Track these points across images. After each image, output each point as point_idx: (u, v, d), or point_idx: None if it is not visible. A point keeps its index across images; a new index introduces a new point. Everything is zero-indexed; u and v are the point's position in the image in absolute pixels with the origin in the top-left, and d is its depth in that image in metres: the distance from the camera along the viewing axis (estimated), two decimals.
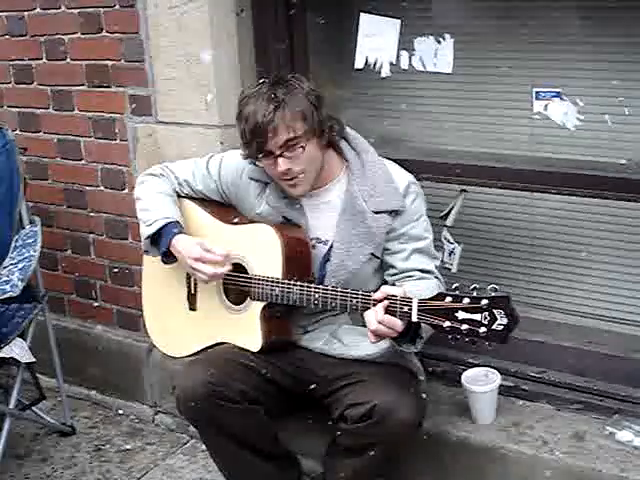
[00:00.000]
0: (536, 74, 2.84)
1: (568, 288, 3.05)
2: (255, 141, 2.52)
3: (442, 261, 3.09)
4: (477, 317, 2.22)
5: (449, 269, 3.07)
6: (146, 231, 2.72)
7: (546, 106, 2.81)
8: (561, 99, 2.79)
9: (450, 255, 3.09)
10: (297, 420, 2.98)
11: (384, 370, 2.58)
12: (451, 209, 3.06)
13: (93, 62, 3.46)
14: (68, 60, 3.54)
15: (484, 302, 2.21)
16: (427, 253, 2.64)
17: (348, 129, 2.71)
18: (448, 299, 2.25)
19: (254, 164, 2.68)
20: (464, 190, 3.03)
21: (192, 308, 2.85)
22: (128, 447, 3.51)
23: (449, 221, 3.07)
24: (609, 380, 2.86)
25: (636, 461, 2.61)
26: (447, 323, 2.25)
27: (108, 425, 3.69)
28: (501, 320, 2.21)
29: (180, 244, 2.67)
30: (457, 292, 2.26)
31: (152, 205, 2.77)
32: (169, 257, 2.72)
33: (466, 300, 2.23)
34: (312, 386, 2.68)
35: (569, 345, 2.95)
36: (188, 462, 3.37)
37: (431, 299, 2.28)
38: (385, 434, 2.44)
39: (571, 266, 3.01)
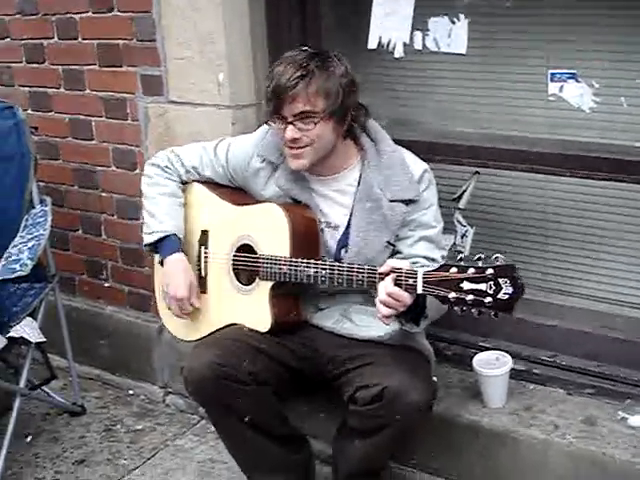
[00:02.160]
0: (551, 55, 2.81)
1: (581, 272, 3.03)
2: (274, 101, 2.52)
3: (454, 243, 3.08)
4: (482, 287, 2.20)
5: (461, 252, 3.05)
6: (146, 238, 2.83)
7: (561, 88, 2.79)
8: (576, 81, 2.76)
9: (462, 238, 3.08)
10: (307, 401, 2.99)
11: (394, 352, 2.57)
12: (464, 191, 3.04)
13: (104, 41, 3.45)
14: (79, 39, 3.53)
15: (489, 271, 2.19)
16: (434, 242, 2.63)
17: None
18: (453, 270, 2.23)
19: (267, 123, 2.67)
20: (477, 172, 3.01)
21: (203, 291, 2.84)
22: (138, 427, 3.52)
23: (462, 203, 3.05)
24: (622, 365, 2.84)
25: None
26: (452, 294, 2.23)
27: (118, 405, 3.69)
28: (506, 289, 2.19)
29: (171, 268, 2.79)
30: (462, 263, 2.24)
31: (154, 210, 2.83)
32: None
33: (471, 270, 2.21)
34: (322, 368, 2.67)
35: (581, 329, 2.94)
36: (198, 443, 3.37)
37: (436, 270, 2.27)
38: (395, 417, 2.43)
39: (585, 250, 2.99)
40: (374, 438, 2.52)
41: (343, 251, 2.65)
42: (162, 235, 2.78)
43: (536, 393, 2.91)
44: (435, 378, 2.77)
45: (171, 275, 2.78)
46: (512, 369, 2.85)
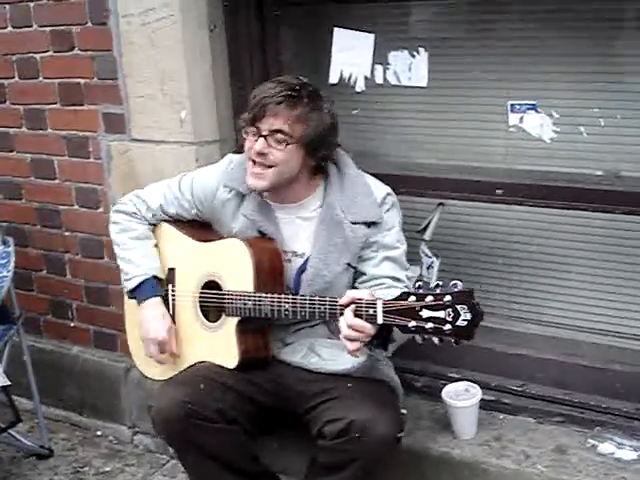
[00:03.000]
0: (511, 86, 2.84)
1: (547, 300, 3.04)
2: (255, 111, 2.52)
3: (420, 275, 3.08)
4: (441, 314, 2.20)
5: (428, 283, 3.04)
6: (126, 284, 2.81)
7: (521, 118, 2.82)
8: (536, 111, 2.80)
9: (428, 269, 3.08)
10: (277, 438, 2.96)
11: (361, 385, 2.56)
12: (429, 223, 3.05)
13: (65, 80, 3.43)
14: (40, 78, 3.51)
15: (447, 298, 2.20)
16: (398, 262, 2.63)
17: None
18: (412, 298, 2.24)
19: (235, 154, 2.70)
20: (441, 204, 3.02)
21: None
22: (107, 469, 3.47)
23: (427, 235, 3.06)
24: (590, 392, 2.86)
25: (618, 474, 2.60)
26: (412, 323, 2.23)
27: (87, 447, 3.64)
28: (465, 315, 2.19)
29: (149, 312, 2.77)
30: (420, 290, 2.24)
31: (129, 255, 2.81)
32: None
33: (429, 298, 2.22)
34: (291, 404, 2.66)
35: (549, 357, 2.95)
36: None
37: (395, 299, 2.27)
38: (363, 450, 2.41)
39: (549, 278, 3.01)
40: (343, 473, 2.49)
41: (304, 275, 2.64)
42: (142, 279, 2.76)
43: (506, 423, 2.91)
44: (404, 410, 2.76)
45: (151, 319, 2.76)
46: (482, 399, 2.84)
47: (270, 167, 2.54)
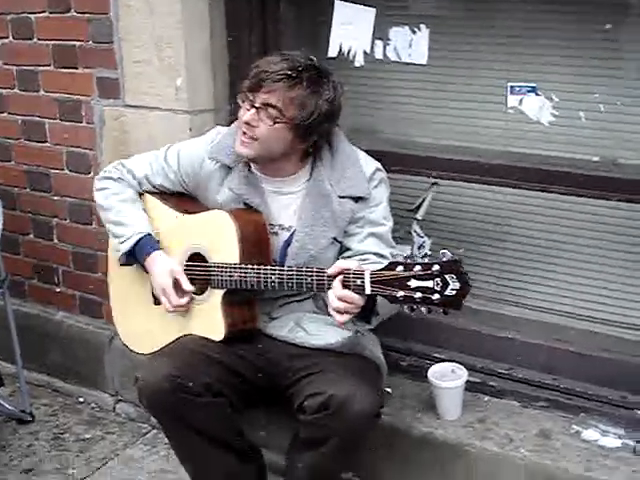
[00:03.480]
0: (511, 68, 2.82)
1: (538, 284, 3.03)
2: (252, 81, 2.49)
3: (411, 254, 3.06)
4: (429, 284, 2.20)
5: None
6: (121, 247, 2.73)
7: (521, 101, 2.80)
8: (536, 94, 2.77)
9: (420, 248, 3.07)
10: (262, 412, 2.96)
11: (344, 360, 2.56)
12: (422, 202, 3.03)
13: (60, 42, 3.39)
14: (35, 40, 3.46)
15: (435, 268, 2.19)
16: (383, 239, 2.62)
17: None
18: (400, 268, 2.23)
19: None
20: (435, 183, 3.00)
21: (157, 302, 2.78)
22: (88, 436, 3.46)
23: (420, 214, 3.04)
24: (576, 378, 2.85)
25: (601, 460, 2.60)
26: (400, 293, 2.22)
27: (68, 413, 3.63)
28: (453, 285, 2.19)
29: (153, 265, 2.69)
30: (408, 260, 2.23)
31: (120, 218, 2.75)
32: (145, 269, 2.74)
33: (417, 267, 2.21)
34: (276, 378, 2.65)
35: (537, 342, 2.94)
36: (149, 452, 3.32)
37: (383, 269, 2.26)
38: (342, 425, 2.40)
39: (541, 262, 3.00)
40: (323, 448, 2.49)
41: (289, 248, 2.63)
42: (138, 237, 2.70)
43: (491, 405, 2.91)
44: (389, 389, 2.76)
45: (155, 271, 2.68)
46: (467, 381, 2.84)
47: (257, 140, 2.52)
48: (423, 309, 2.23)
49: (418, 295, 2.21)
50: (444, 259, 2.20)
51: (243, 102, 2.54)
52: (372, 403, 2.44)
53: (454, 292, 2.18)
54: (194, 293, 2.68)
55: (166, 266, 2.67)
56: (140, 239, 2.70)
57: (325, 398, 2.41)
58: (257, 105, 2.49)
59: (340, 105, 2.57)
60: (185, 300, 2.66)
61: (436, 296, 2.19)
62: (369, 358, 2.65)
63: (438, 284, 2.19)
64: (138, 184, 2.80)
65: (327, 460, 2.55)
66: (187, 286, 2.65)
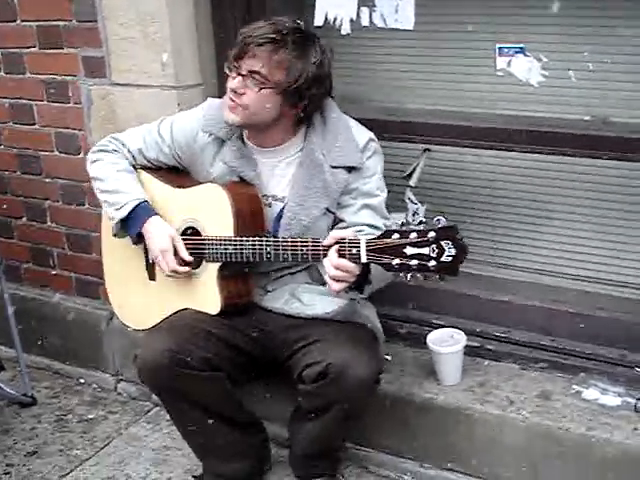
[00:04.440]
0: (499, 30, 2.80)
1: (532, 247, 3.04)
2: (238, 48, 2.47)
3: (406, 221, 3.06)
4: (425, 251, 2.18)
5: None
6: (116, 215, 2.68)
7: (509, 62, 2.78)
8: (524, 55, 2.75)
9: (414, 215, 3.06)
10: (262, 385, 2.97)
11: (340, 328, 2.56)
12: (414, 169, 3.02)
13: (44, 23, 3.35)
14: (18, 21, 3.42)
15: (431, 234, 2.18)
16: (377, 210, 2.61)
17: None
18: (395, 236, 2.22)
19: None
20: (427, 149, 2.99)
21: (151, 278, 2.79)
22: (90, 416, 3.46)
23: (413, 181, 3.03)
24: (575, 339, 2.86)
25: (602, 419, 2.62)
26: (396, 260, 2.21)
27: (70, 395, 3.63)
28: (449, 251, 2.18)
29: (152, 228, 2.65)
30: (404, 228, 2.23)
31: (117, 186, 2.72)
32: (140, 238, 2.69)
33: (413, 235, 2.20)
34: (274, 350, 2.66)
35: (534, 304, 2.95)
36: (152, 430, 3.32)
37: (378, 238, 2.25)
38: (341, 392, 2.42)
39: (535, 224, 3.00)
40: (324, 417, 2.52)
41: (281, 220, 2.62)
42: (136, 203, 2.65)
43: (490, 369, 2.92)
44: (389, 357, 2.77)
45: (153, 236, 2.65)
46: (466, 346, 2.84)
47: (243, 107, 2.50)
48: (419, 276, 2.23)
49: (414, 262, 2.19)
50: (439, 225, 2.19)
51: (230, 71, 2.51)
52: (370, 369, 2.45)
53: (450, 258, 2.17)
54: (190, 268, 2.67)
55: (166, 230, 2.64)
56: (137, 205, 2.66)
57: (323, 367, 2.42)
58: (243, 72, 2.47)
59: (329, 69, 2.54)
60: (185, 269, 2.64)
61: (432, 263, 2.18)
62: (366, 325, 2.65)
63: (434, 251, 2.18)
64: (132, 157, 2.78)
65: (329, 429, 2.58)
66: (186, 256, 2.62)
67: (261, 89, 2.46)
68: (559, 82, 2.76)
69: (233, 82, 2.49)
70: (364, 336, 2.60)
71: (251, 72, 2.45)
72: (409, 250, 2.20)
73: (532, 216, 2.98)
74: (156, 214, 2.68)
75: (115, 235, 2.73)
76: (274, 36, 2.43)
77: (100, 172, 2.77)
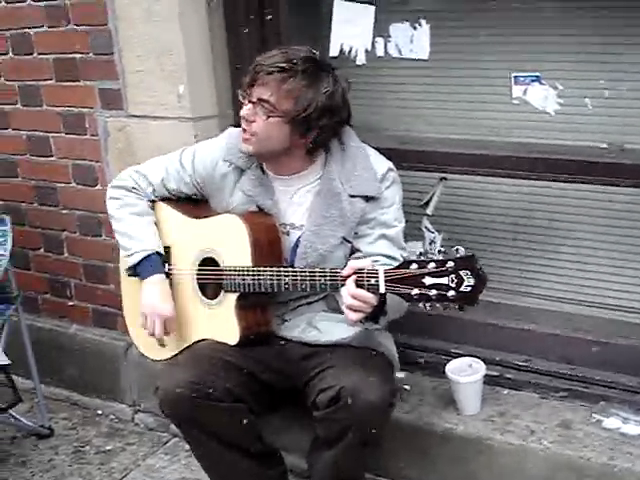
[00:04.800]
0: (514, 58, 2.81)
1: (551, 274, 3.02)
2: (250, 75, 2.49)
3: (424, 250, 3.04)
4: (444, 281, 2.17)
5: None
6: (128, 260, 2.74)
7: (525, 91, 2.79)
8: (540, 83, 2.76)
9: (431, 244, 3.06)
10: (280, 415, 2.95)
11: (354, 353, 2.55)
12: (431, 197, 3.02)
13: (61, 55, 3.38)
14: (35, 54, 3.46)
15: (449, 264, 2.17)
16: (394, 241, 2.60)
17: None
18: (413, 266, 2.21)
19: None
20: (444, 178, 2.98)
21: None
22: (108, 448, 3.45)
23: (429, 210, 3.03)
24: (595, 367, 2.83)
25: (624, 448, 2.59)
26: (415, 291, 2.20)
27: (87, 426, 3.62)
28: (468, 281, 2.17)
29: (154, 288, 2.70)
30: (422, 258, 2.22)
31: (130, 231, 2.75)
32: None
33: (431, 265, 2.19)
34: (292, 379, 2.65)
35: (553, 332, 2.93)
36: (169, 462, 3.31)
37: (397, 268, 2.24)
38: (354, 417, 2.39)
39: (553, 252, 2.99)
40: (340, 444, 2.49)
41: (298, 248, 2.61)
42: (145, 254, 2.70)
43: (510, 398, 2.89)
44: (408, 386, 2.75)
45: (157, 296, 2.70)
46: (485, 375, 2.82)
47: (254, 135, 2.51)
48: (438, 306, 2.22)
49: (433, 292, 2.19)
50: (458, 255, 2.18)
51: (243, 98, 2.53)
52: (382, 393, 2.43)
53: (469, 288, 2.17)
54: (207, 297, 2.69)
55: (171, 301, 2.70)
56: (146, 257, 2.70)
57: (335, 392, 2.41)
58: (253, 100, 2.48)
59: (343, 100, 2.52)
60: (161, 341, 2.72)
61: (451, 293, 2.18)
62: (380, 351, 2.63)
63: (453, 280, 2.17)
64: (153, 191, 2.79)
65: (346, 456, 2.55)
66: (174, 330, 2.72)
67: (269, 117, 2.47)
68: (575, 110, 2.77)
69: (244, 109, 2.51)
70: (378, 361, 2.59)
71: (260, 100, 2.47)
72: (428, 280, 2.19)
73: (551, 244, 2.97)
74: (160, 271, 2.71)
75: (127, 271, 2.78)
76: (284, 65, 2.44)
77: (116, 212, 2.80)
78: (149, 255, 2.71)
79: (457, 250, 2.19)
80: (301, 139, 2.53)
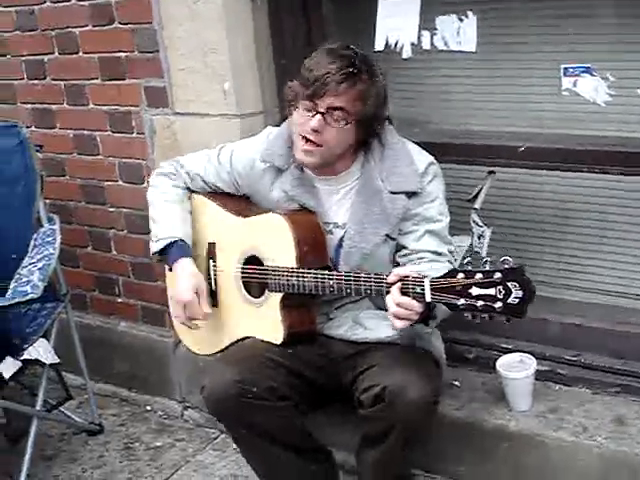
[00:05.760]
0: (563, 49, 2.76)
1: (601, 267, 2.98)
2: (312, 87, 2.43)
3: (471, 245, 3.02)
4: (492, 292, 2.15)
5: (478, 253, 3.00)
6: (152, 247, 2.77)
7: (575, 82, 2.73)
8: (590, 74, 2.71)
9: (479, 238, 3.01)
10: (328, 413, 2.93)
11: (399, 351, 2.53)
12: (479, 191, 2.98)
13: (106, 54, 3.40)
14: (80, 53, 3.48)
15: (497, 276, 2.14)
16: (440, 236, 2.57)
17: None
18: (460, 276, 2.19)
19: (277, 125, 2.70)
20: (492, 172, 2.95)
21: (214, 304, 2.80)
22: (158, 444, 3.47)
23: (477, 204, 2.98)
24: None
25: None
26: (462, 301, 2.18)
27: (136, 422, 3.65)
28: (516, 293, 2.14)
29: (179, 273, 2.70)
30: (469, 268, 2.20)
31: (159, 217, 2.79)
32: None
33: (479, 275, 2.16)
34: (338, 377, 2.65)
35: (604, 326, 2.88)
36: (219, 458, 3.32)
37: (443, 277, 2.22)
38: (398, 415, 2.38)
39: (604, 245, 2.95)
40: (386, 442, 2.48)
41: (342, 248, 2.60)
42: (168, 241, 2.71)
43: (562, 394, 2.86)
44: (457, 382, 2.72)
45: (177, 280, 2.71)
46: (536, 370, 2.79)
47: (321, 145, 2.49)
48: (484, 316, 2.19)
49: (480, 303, 2.17)
50: (506, 266, 2.15)
51: (298, 108, 2.50)
52: (426, 392, 2.40)
53: (517, 300, 2.14)
54: (252, 295, 2.68)
55: (191, 280, 2.68)
56: (170, 244, 2.71)
57: (379, 390, 2.40)
58: (322, 110, 2.45)
59: (386, 91, 2.54)
60: (195, 324, 2.71)
61: (498, 304, 2.15)
62: (426, 349, 2.62)
63: (500, 292, 2.14)
64: (191, 180, 2.82)
65: (392, 454, 2.54)
66: (206, 308, 2.68)
67: (346, 123, 2.46)
68: (626, 100, 2.71)
69: (313, 121, 2.45)
70: (423, 359, 2.57)
71: (332, 109, 2.44)
72: (475, 291, 2.17)
73: (601, 236, 2.93)
74: (185, 255, 2.71)
75: (153, 255, 2.80)
76: (351, 70, 2.42)
77: (152, 198, 2.84)
78: (174, 242, 2.71)
79: (505, 261, 2.16)
80: (362, 135, 2.53)
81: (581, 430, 2.67)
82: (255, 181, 2.70)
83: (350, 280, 2.44)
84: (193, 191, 2.85)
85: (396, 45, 2.95)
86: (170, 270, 2.76)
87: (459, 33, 2.84)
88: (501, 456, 2.77)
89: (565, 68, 2.73)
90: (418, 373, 2.42)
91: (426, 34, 2.91)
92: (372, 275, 2.40)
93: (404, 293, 2.27)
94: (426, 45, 2.92)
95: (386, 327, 2.54)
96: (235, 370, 2.54)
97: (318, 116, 2.45)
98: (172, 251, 2.72)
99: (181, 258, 2.71)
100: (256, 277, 2.65)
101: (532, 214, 3.03)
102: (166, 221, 2.76)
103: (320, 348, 2.68)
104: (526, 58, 2.85)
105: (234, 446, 3.11)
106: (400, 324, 2.31)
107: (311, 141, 2.49)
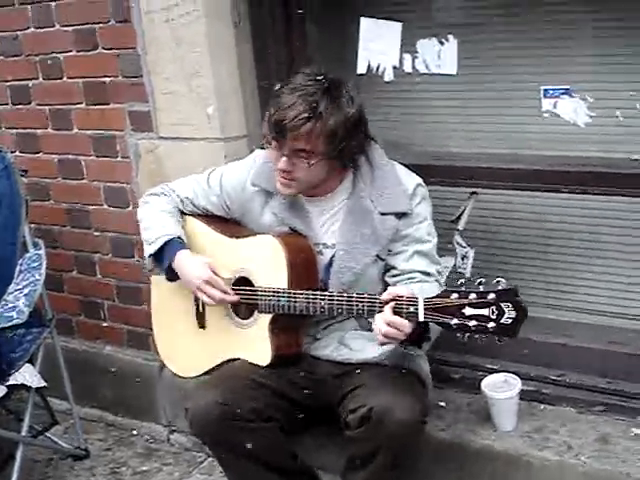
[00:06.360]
0: (543, 71, 2.79)
1: (585, 287, 3.00)
2: (275, 132, 2.46)
3: (455, 265, 3.04)
4: (485, 312, 2.18)
5: (462, 273, 3.02)
6: (148, 249, 2.73)
7: (555, 104, 2.77)
8: (570, 96, 2.74)
9: (463, 259, 3.04)
10: (314, 434, 2.93)
11: (384, 372, 2.54)
12: (462, 212, 3.01)
13: (90, 79, 3.42)
14: (64, 79, 3.49)
15: (491, 296, 2.17)
16: (429, 256, 2.59)
17: None
18: (454, 296, 2.21)
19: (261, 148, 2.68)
20: (475, 193, 2.97)
21: (201, 326, 2.80)
22: (144, 468, 3.46)
23: (460, 225, 3.01)
24: (632, 380, 2.80)
25: None
26: (455, 320, 2.20)
27: (123, 447, 3.63)
28: (509, 313, 2.17)
29: (185, 261, 2.67)
30: (463, 288, 2.21)
31: (154, 223, 2.76)
32: (173, 274, 2.71)
33: (472, 295, 2.19)
34: (323, 398, 2.64)
35: (589, 346, 2.90)
36: None
37: (437, 297, 2.24)
38: (385, 436, 2.38)
39: (587, 265, 2.97)
40: (373, 464, 2.47)
41: (332, 267, 2.60)
42: (166, 239, 2.69)
43: (547, 413, 2.87)
44: (443, 403, 2.72)
45: (186, 268, 2.67)
46: (521, 390, 2.80)
47: (295, 180, 2.52)
48: (477, 337, 2.21)
49: (473, 323, 2.19)
50: (499, 287, 2.17)
51: (269, 145, 2.53)
52: (413, 412, 2.40)
53: (510, 320, 2.17)
54: (240, 317, 2.69)
55: (199, 259, 2.67)
56: (169, 240, 2.69)
57: (365, 411, 2.39)
58: (286, 153, 2.47)
59: (362, 111, 2.52)
60: (234, 298, 2.64)
61: (491, 324, 2.18)
62: (411, 368, 2.61)
63: (493, 312, 2.17)
64: (181, 202, 2.82)
65: (380, 476, 2.52)
66: (224, 287, 2.64)
67: (310, 165, 2.47)
68: (606, 121, 2.74)
69: (281, 163, 2.49)
70: (409, 380, 2.57)
71: (296, 151, 2.46)
72: (468, 311, 2.19)
73: (584, 256, 2.95)
74: (185, 248, 2.69)
75: (150, 271, 2.79)
76: (309, 114, 2.40)
77: (143, 213, 2.83)
78: (171, 239, 2.69)
79: (498, 282, 2.19)
80: (336, 163, 2.55)
81: (566, 449, 2.67)
82: (246, 201, 2.71)
83: (342, 300, 2.45)
84: (184, 213, 2.84)
85: (378, 68, 2.99)
86: (167, 273, 2.72)
87: (440, 56, 2.87)
88: (487, 476, 2.77)
89: (545, 90, 2.76)
90: (404, 393, 2.43)
91: (408, 57, 2.94)
92: (365, 295, 2.41)
93: (396, 313, 2.28)
94: (408, 68, 2.95)
95: (372, 347, 2.55)
96: (217, 392, 2.54)
97: (284, 158, 2.48)
98: (169, 249, 2.69)
99: (181, 250, 2.69)
100: (246, 298, 2.65)
101: (516, 234, 3.05)
102: (161, 225, 2.74)
103: (305, 369, 2.68)
104: (506, 80, 2.88)
105: (220, 470, 3.09)
106: (386, 343, 2.32)
107: (284, 178, 2.52)
